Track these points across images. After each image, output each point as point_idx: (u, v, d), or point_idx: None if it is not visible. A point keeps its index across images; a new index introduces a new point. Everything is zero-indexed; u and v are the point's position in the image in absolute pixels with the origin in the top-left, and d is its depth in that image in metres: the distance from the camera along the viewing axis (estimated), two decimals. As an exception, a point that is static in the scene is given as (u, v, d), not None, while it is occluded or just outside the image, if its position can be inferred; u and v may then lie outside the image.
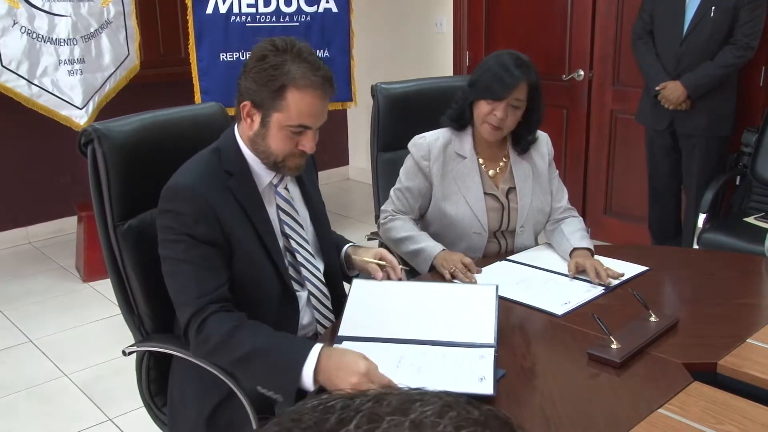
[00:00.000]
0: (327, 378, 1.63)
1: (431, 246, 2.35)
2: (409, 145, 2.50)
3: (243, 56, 4.58)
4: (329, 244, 2.12)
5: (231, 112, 2.08)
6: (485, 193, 2.46)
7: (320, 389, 1.64)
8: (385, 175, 2.85)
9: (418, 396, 0.56)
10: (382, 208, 2.54)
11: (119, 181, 1.99)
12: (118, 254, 2.01)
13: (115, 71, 4.49)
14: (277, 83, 1.78)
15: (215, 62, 4.55)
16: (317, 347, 1.67)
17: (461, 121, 2.47)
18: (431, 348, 1.79)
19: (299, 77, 1.78)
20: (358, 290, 2.02)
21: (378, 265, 2.07)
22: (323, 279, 2.06)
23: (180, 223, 1.79)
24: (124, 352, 2.04)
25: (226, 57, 4.57)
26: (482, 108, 2.37)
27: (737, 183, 4.09)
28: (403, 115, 2.87)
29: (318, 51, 4.69)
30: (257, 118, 1.85)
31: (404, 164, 2.52)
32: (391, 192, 2.53)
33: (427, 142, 2.46)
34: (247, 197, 1.88)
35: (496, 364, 1.70)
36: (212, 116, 2.27)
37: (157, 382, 2.14)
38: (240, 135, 1.92)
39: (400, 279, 2.07)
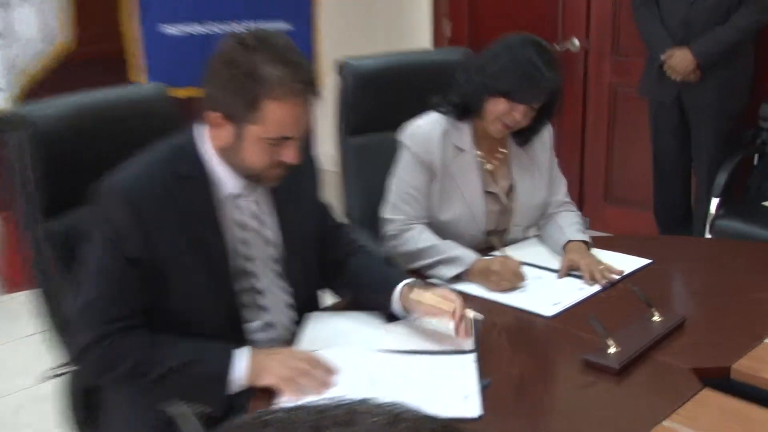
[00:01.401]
0: (254, 370, 1.73)
1: (466, 253, 2.28)
2: (403, 138, 2.44)
3: (192, 29, 4.55)
4: (304, 265, 2.04)
5: (176, 93, 2.05)
6: (486, 192, 2.45)
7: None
8: (354, 162, 2.84)
9: (368, 407, 0.56)
10: (387, 216, 2.44)
11: (45, 174, 1.95)
12: (46, 260, 1.98)
13: (42, 48, 4.44)
14: (250, 94, 1.73)
15: (159, 37, 4.50)
16: (245, 348, 1.76)
17: (467, 112, 2.42)
18: (406, 357, 1.79)
19: (277, 85, 1.72)
20: (313, 325, 2.00)
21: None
22: (294, 305, 2.02)
23: (108, 230, 1.76)
24: (50, 375, 2.01)
25: (172, 30, 4.53)
26: (499, 106, 2.32)
27: (755, 163, 4.10)
28: (376, 94, 2.84)
29: (277, 23, 4.69)
30: (229, 130, 1.79)
31: (401, 161, 2.44)
32: (394, 198, 2.43)
33: (425, 132, 2.41)
34: (200, 208, 1.84)
35: (480, 373, 1.70)
36: (153, 98, 2.24)
37: (88, 409, 2.09)
38: (203, 138, 1.87)
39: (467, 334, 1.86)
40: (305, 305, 2.06)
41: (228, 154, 1.83)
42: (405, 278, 2.01)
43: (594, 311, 1.90)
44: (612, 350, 1.75)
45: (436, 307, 1.89)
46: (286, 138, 1.79)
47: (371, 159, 2.74)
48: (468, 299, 2.10)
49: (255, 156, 1.80)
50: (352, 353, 1.82)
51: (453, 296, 1.90)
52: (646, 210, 4.58)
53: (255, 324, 1.96)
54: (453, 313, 1.85)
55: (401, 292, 1.97)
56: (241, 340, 1.90)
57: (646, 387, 1.67)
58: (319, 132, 6.65)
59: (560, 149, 5.03)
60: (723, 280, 2.21)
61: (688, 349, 1.81)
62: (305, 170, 2.05)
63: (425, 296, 1.92)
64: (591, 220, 4.86)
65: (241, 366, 1.73)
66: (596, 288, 2.17)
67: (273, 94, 1.72)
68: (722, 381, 1.70)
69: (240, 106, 1.74)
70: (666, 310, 1.95)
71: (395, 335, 1.92)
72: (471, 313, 1.85)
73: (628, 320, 1.90)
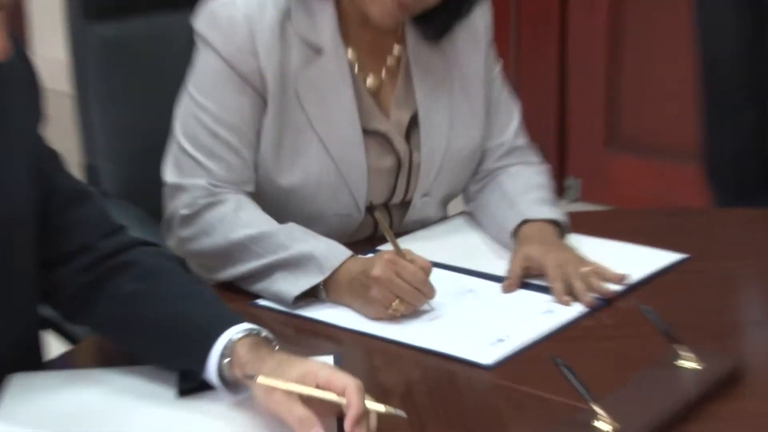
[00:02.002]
0: None
1: (326, 249, 2.27)
2: (202, 27, 2.44)
3: None
4: (11, 276, 2.00)
5: None
6: (366, 132, 2.48)
7: None
8: (104, 74, 2.85)
9: None
10: (173, 180, 2.42)
11: None
12: None
13: None
14: None
15: None
16: None
17: None
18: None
19: None
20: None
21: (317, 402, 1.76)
22: None
23: None
24: None
25: None
26: None
27: None
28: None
29: None
30: None
31: (198, 73, 2.45)
32: (187, 144, 2.41)
33: (245, 16, 2.40)
34: None
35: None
36: None
37: None
38: None
39: None
40: (10, 357, 2.03)
41: None
42: (238, 319, 1.93)
43: (568, 353, 1.88)
44: (604, 425, 1.74)
45: (310, 398, 1.73)
46: None
47: (137, 67, 2.79)
48: (330, 336, 2.13)
49: None
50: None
51: (342, 377, 1.75)
52: (684, 161, 4.67)
53: None
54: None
55: (230, 351, 1.87)
56: None
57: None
58: (35, 19, 6.55)
59: (519, 57, 5.07)
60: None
61: (748, 418, 1.83)
62: (14, 87, 2.03)
63: (287, 376, 1.76)
64: (582, 182, 4.94)
65: None
66: (576, 310, 2.19)
67: None
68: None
69: None
70: (708, 348, 1.97)
71: (197, 416, 1.89)
72: (380, 408, 1.74)
73: (634, 370, 1.92)
